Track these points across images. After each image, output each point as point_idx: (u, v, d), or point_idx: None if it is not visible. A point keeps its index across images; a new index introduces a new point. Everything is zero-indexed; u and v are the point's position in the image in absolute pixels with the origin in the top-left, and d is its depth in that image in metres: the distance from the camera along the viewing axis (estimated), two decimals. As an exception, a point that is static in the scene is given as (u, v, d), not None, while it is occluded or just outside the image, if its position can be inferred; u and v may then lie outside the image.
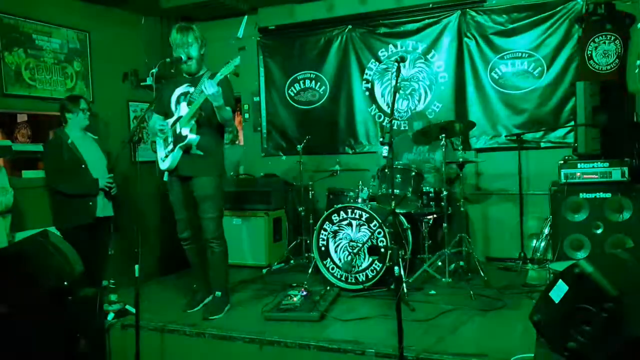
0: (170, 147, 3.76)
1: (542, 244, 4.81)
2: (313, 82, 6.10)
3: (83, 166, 4.21)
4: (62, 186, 4.17)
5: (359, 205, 4.31)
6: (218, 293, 3.94)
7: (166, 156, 3.79)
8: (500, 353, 2.89)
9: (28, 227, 4.26)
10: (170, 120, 3.78)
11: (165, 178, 3.85)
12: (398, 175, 4.43)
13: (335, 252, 4.39)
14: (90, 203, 4.21)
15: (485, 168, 5.43)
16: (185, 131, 3.67)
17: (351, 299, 4.15)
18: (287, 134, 6.23)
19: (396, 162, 4.49)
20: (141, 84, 5.88)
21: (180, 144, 3.69)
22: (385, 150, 3.36)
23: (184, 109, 3.72)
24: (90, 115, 4.41)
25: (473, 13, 5.34)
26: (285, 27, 6.12)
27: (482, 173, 5.45)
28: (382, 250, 4.15)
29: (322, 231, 4.44)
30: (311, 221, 5.15)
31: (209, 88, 3.47)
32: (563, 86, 5.05)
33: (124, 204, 4.57)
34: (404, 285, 3.98)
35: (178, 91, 3.83)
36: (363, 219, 4.26)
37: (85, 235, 4.09)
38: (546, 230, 4.77)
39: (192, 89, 3.75)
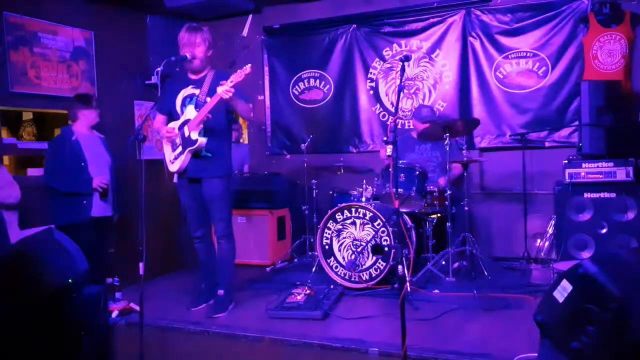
0: (180, 150, 3.74)
1: (546, 243, 4.81)
2: (317, 81, 6.10)
3: (82, 164, 4.23)
4: (57, 183, 4.20)
5: (362, 204, 4.31)
6: (221, 291, 3.95)
7: (175, 159, 3.78)
8: (503, 352, 2.88)
9: (32, 225, 4.27)
10: (178, 123, 3.76)
11: (176, 180, 3.86)
12: (402, 175, 4.43)
13: (339, 250, 4.39)
14: (85, 202, 4.23)
15: (489, 168, 5.42)
16: (194, 135, 3.66)
17: (355, 297, 4.14)
18: (292, 133, 6.23)
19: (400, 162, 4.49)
20: (146, 82, 5.90)
21: (190, 148, 3.67)
22: (389, 149, 3.37)
23: (191, 112, 3.69)
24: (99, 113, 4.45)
25: (478, 12, 5.33)
26: (290, 26, 6.13)
27: (486, 173, 5.45)
28: (386, 249, 4.14)
29: (326, 230, 4.44)
30: (315, 220, 5.15)
31: (226, 92, 3.46)
32: (568, 86, 5.04)
33: (128, 202, 4.58)
34: (408, 284, 3.98)
35: (183, 92, 3.81)
36: (367, 217, 4.26)
37: (83, 234, 4.09)
38: (550, 230, 4.77)
39: (197, 91, 3.74)
